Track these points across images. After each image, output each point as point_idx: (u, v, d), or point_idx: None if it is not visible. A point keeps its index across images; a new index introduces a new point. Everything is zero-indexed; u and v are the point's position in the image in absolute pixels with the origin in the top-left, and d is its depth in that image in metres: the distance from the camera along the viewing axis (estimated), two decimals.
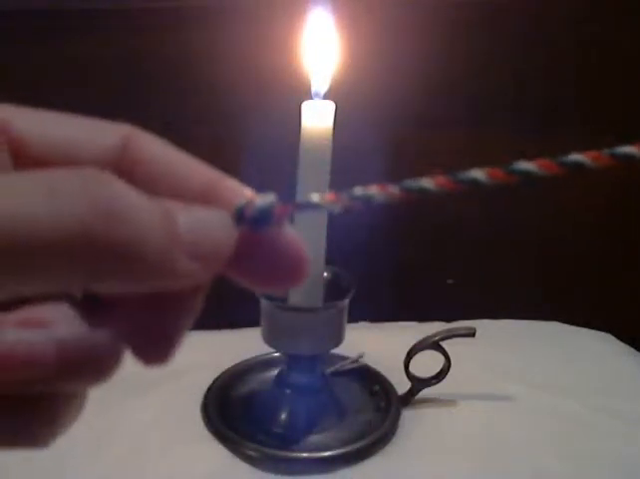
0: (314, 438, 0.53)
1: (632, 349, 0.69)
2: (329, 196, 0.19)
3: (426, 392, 0.57)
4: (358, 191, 0.19)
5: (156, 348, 0.19)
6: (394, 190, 0.19)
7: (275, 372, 0.56)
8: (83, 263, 0.15)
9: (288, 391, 0.55)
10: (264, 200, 0.18)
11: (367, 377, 0.60)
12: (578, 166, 0.18)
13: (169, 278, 0.17)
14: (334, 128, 0.46)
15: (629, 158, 0.18)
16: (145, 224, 0.16)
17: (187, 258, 0.16)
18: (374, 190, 0.19)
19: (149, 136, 0.19)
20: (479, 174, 0.19)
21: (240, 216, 0.18)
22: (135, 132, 0.19)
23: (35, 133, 0.18)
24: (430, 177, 0.19)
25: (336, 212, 0.19)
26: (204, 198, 0.18)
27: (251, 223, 0.18)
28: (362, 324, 0.70)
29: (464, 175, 0.19)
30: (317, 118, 0.45)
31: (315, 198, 0.19)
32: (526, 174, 0.19)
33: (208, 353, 0.64)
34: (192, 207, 0.17)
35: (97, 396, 0.59)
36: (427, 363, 0.56)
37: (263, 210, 0.18)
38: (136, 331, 0.18)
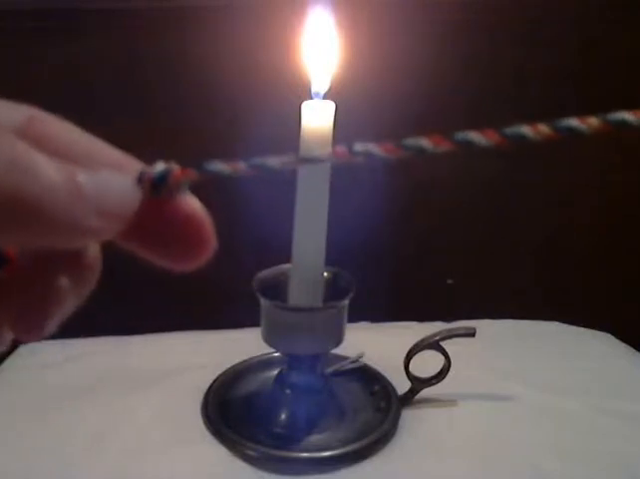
0: (314, 438, 0.53)
1: (632, 349, 0.69)
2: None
3: (426, 392, 0.57)
4: (357, 146, 0.20)
5: (32, 321, 0.19)
6: (391, 147, 0.19)
7: (275, 372, 0.56)
8: None
9: (288, 391, 0.55)
10: (162, 165, 0.19)
11: (367, 377, 0.60)
12: (572, 131, 0.18)
13: (73, 233, 0.17)
14: (334, 128, 0.46)
15: (624, 124, 0.18)
16: (48, 178, 0.16)
17: (91, 214, 0.17)
18: (371, 146, 0.20)
19: (52, 117, 0.20)
20: (474, 135, 0.19)
21: (140, 179, 0.19)
22: (38, 113, 0.20)
23: None
24: (427, 137, 0.19)
25: (238, 175, 0.21)
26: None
27: (150, 186, 0.19)
28: (362, 324, 0.70)
29: (459, 135, 0.19)
30: (317, 118, 0.45)
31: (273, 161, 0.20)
32: (521, 137, 0.19)
33: (208, 353, 0.64)
34: (96, 169, 0.18)
35: (97, 396, 0.59)
36: (427, 363, 0.56)
37: (161, 173, 0.19)
38: (17, 301, 0.19)
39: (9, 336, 0.20)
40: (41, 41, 0.74)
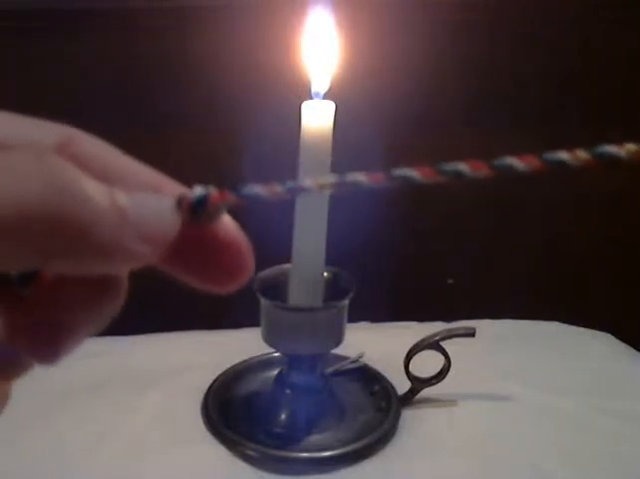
0: (314, 438, 0.53)
1: (632, 349, 0.69)
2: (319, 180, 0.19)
3: (426, 392, 0.57)
4: (345, 177, 0.20)
5: (50, 343, 0.18)
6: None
7: (275, 372, 0.56)
8: (36, 240, 0.16)
9: (288, 391, 0.55)
10: (201, 189, 0.19)
11: (367, 377, 0.60)
12: (561, 164, 0.19)
13: (117, 259, 0.17)
14: (334, 128, 0.46)
15: (612, 158, 0.18)
16: (97, 203, 0.16)
17: (135, 239, 0.17)
18: (361, 177, 0.20)
19: (89, 137, 0.20)
20: (462, 166, 0.19)
21: (179, 203, 0.18)
22: (76, 133, 0.20)
23: None
24: (416, 168, 0.19)
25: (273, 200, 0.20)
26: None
27: (189, 211, 0.19)
28: (362, 324, 0.70)
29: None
30: (317, 118, 0.45)
31: (261, 189, 0.19)
32: (509, 168, 0.19)
33: (208, 353, 0.64)
34: (137, 192, 0.18)
35: (97, 396, 0.59)
36: (427, 363, 0.56)
37: (199, 197, 0.19)
38: (36, 323, 0.18)
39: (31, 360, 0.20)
40: (41, 41, 0.74)
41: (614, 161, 0.18)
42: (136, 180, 0.19)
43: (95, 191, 0.16)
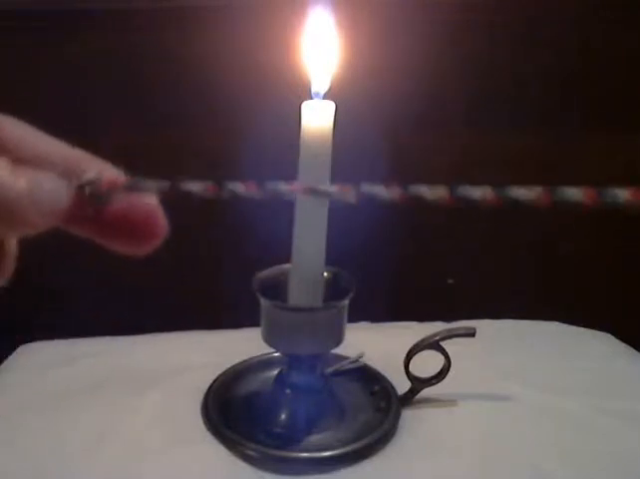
0: (314, 438, 0.53)
1: (632, 349, 0.69)
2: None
3: (426, 392, 0.57)
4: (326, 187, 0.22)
5: None
6: (396, 191, 0.20)
7: (275, 372, 0.56)
8: None
9: (288, 391, 0.55)
10: (93, 174, 0.23)
11: (367, 377, 0.60)
12: (568, 200, 0.19)
13: (20, 227, 0.21)
14: (334, 128, 0.46)
15: (617, 200, 0.19)
16: (11, 191, 0.20)
17: (35, 213, 0.21)
18: (334, 188, 0.22)
19: (14, 121, 0.24)
20: (475, 192, 0.20)
21: (80, 187, 0.23)
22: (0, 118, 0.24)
23: None
24: (430, 187, 0.20)
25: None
26: (66, 172, 0.23)
27: (82, 192, 0.23)
28: (362, 324, 0.70)
29: (461, 190, 0.20)
30: (317, 118, 0.45)
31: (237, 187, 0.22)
32: (516, 201, 0.20)
33: (208, 353, 0.64)
34: (40, 174, 0.22)
35: (97, 396, 0.59)
36: (427, 363, 0.56)
37: (89, 180, 0.23)
38: None
39: None
40: (41, 41, 0.74)
41: (569, 204, 0.19)
42: (58, 158, 0.23)
43: (8, 179, 0.20)
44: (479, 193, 0.21)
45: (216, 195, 0.22)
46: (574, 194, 0.20)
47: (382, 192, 0.21)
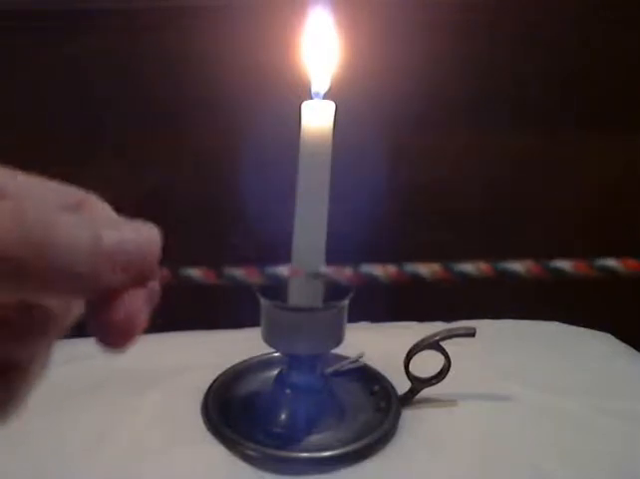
0: (314, 438, 0.53)
1: (632, 349, 0.69)
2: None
3: (426, 392, 0.57)
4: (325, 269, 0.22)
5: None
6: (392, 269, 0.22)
7: (275, 372, 0.56)
8: (12, 284, 0.18)
9: (288, 391, 0.55)
10: None
11: (367, 377, 0.60)
12: (560, 272, 0.21)
13: (92, 286, 0.19)
14: (334, 128, 0.46)
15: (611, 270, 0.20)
16: (74, 248, 0.18)
17: (111, 272, 0.19)
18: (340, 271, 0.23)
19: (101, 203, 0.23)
20: (469, 267, 0.21)
21: None
22: (89, 198, 0.23)
23: None
24: (426, 265, 0.21)
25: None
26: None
27: None
28: (362, 324, 0.70)
29: (456, 266, 0.22)
30: (317, 118, 0.45)
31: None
32: (512, 274, 0.21)
33: (208, 353, 0.64)
34: (121, 224, 0.20)
35: (97, 396, 0.59)
36: (427, 363, 0.56)
37: None
38: None
39: None
40: (41, 41, 0.74)
41: (562, 275, 0.20)
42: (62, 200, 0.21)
43: (72, 224, 0.19)
44: (470, 267, 0.22)
45: (216, 280, 0.22)
46: (518, 267, 0.22)
47: (378, 271, 0.22)
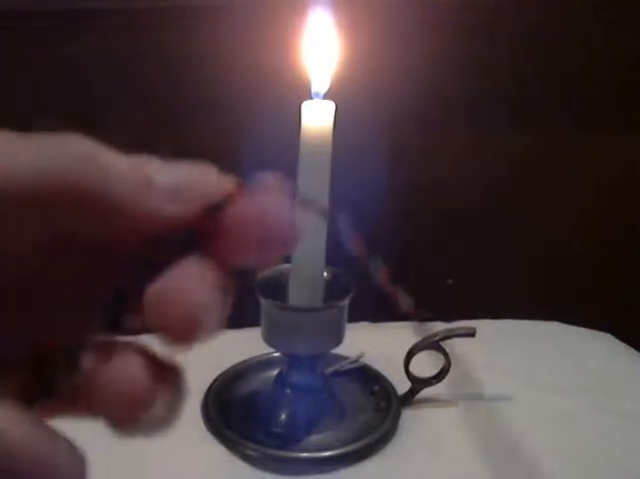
0: (314, 438, 0.53)
1: (632, 349, 0.69)
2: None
3: (426, 392, 0.57)
4: None
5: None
6: None
7: (275, 372, 0.56)
8: (59, 205, 0.17)
9: (288, 391, 0.55)
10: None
11: (367, 377, 0.60)
12: None
13: (142, 218, 0.18)
14: (334, 128, 0.46)
15: None
16: (119, 170, 0.18)
17: (166, 202, 0.18)
18: None
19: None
20: None
21: None
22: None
23: None
24: None
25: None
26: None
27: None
28: (362, 324, 0.70)
29: None
30: (317, 118, 0.45)
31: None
32: None
33: (208, 353, 0.64)
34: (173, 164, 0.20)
35: None
36: (427, 363, 0.56)
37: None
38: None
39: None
40: (41, 41, 0.74)
41: None
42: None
43: (116, 158, 0.18)
44: None
45: None
46: None
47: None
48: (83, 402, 0.20)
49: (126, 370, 0.19)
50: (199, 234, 0.19)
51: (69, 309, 0.21)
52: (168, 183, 0.19)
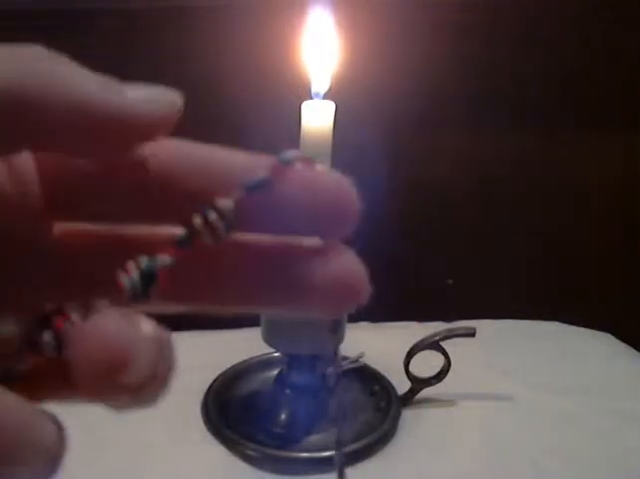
0: (314, 438, 0.53)
1: (632, 349, 0.69)
2: None
3: (426, 392, 0.57)
4: None
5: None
6: None
7: (275, 372, 0.56)
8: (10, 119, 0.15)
9: (288, 391, 0.55)
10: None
11: (367, 377, 0.60)
12: None
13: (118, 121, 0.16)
14: (334, 128, 0.46)
15: None
16: (77, 73, 0.17)
17: (130, 105, 0.17)
18: None
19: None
20: None
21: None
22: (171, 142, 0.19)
23: None
24: None
25: None
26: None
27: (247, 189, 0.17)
28: (362, 324, 0.70)
29: None
30: (317, 118, 0.45)
31: None
32: None
33: (208, 353, 0.64)
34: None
35: None
36: (427, 363, 0.56)
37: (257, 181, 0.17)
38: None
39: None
40: (41, 41, 0.74)
41: None
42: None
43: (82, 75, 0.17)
44: None
45: None
46: None
47: None
48: (59, 377, 0.15)
49: (104, 324, 0.15)
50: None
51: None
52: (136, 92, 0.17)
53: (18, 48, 0.17)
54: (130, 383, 0.15)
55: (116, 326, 0.15)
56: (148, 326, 0.16)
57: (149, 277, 0.16)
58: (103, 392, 0.15)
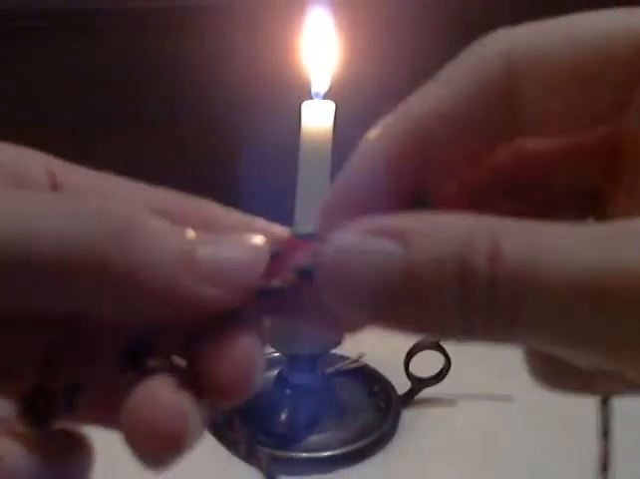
0: (314, 438, 0.53)
1: None
2: None
3: (426, 392, 0.57)
4: None
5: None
6: None
7: (275, 372, 0.56)
8: (81, 281, 0.16)
9: (288, 391, 0.55)
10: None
11: (367, 377, 0.60)
12: None
13: (178, 301, 0.17)
14: (334, 128, 0.46)
15: None
16: (156, 247, 0.16)
17: (205, 284, 0.17)
18: None
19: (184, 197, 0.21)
20: None
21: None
22: (175, 196, 0.21)
23: None
24: None
25: None
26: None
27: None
28: None
29: None
30: (317, 118, 0.45)
31: None
32: None
33: None
34: (219, 235, 0.18)
35: None
36: (427, 363, 0.56)
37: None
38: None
39: None
40: (41, 41, 0.74)
41: None
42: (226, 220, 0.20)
43: (160, 233, 0.17)
44: None
45: None
46: None
47: None
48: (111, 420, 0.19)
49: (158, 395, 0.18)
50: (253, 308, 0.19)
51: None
52: (210, 259, 0.17)
53: (102, 208, 0.16)
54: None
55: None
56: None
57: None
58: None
